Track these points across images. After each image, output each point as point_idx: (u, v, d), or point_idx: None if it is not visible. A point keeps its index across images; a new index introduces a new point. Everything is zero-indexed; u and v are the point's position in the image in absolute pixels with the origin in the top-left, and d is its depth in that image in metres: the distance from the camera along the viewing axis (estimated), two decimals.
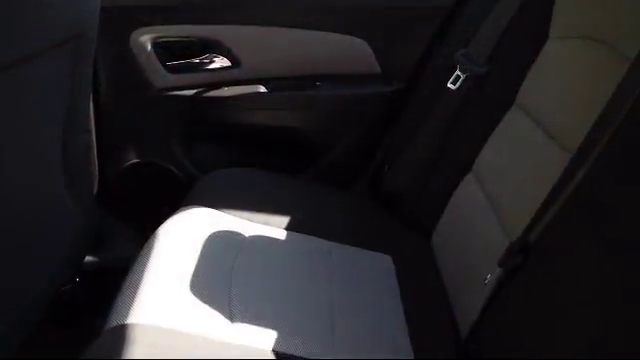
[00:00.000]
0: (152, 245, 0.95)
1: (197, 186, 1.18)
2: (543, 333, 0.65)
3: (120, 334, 0.75)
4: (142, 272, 0.88)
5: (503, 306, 0.73)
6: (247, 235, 1.02)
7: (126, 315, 0.79)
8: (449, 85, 1.06)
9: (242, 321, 0.82)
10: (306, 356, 0.80)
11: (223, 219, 1.04)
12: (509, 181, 0.87)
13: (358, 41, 1.28)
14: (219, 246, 0.97)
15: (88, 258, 1.36)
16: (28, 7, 0.80)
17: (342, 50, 1.30)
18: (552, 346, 0.63)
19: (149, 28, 1.25)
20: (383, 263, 1.06)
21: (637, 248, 0.56)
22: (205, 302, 0.83)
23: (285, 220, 1.09)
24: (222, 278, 0.89)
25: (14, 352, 0.91)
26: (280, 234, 1.05)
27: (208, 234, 0.98)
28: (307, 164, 1.41)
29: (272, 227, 1.06)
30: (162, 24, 1.25)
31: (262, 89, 1.33)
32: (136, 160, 1.37)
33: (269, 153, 1.41)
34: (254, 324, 0.82)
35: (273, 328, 0.82)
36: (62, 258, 1.14)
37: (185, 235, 0.97)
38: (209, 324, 0.80)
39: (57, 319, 1.23)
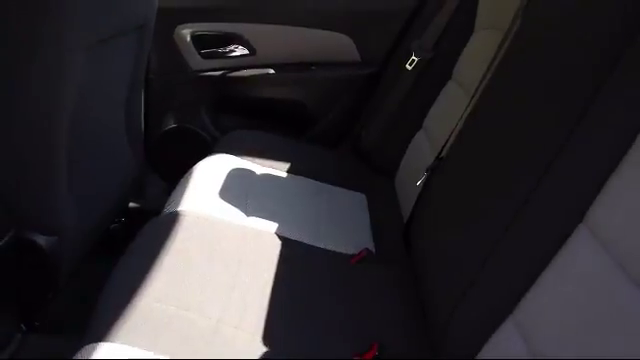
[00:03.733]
0: (190, 175, 1.31)
1: (220, 142, 1.53)
2: (450, 209, 1.01)
3: (174, 215, 1.11)
4: (185, 185, 1.25)
5: (427, 196, 1.10)
6: (258, 173, 1.38)
7: (177, 207, 1.16)
8: (407, 66, 1.43)
9: (255, 216, 1.19)
10: (299, 239, 1.15)
11: (240, 163, 1.39)
12: (440, 122, 1.24)
13: (344, 36, 1.62)
14: (238, 177, 1.32)
15: (131, 204, 1.71)
16: None
17: (332, 43, 1.63)
18: (454, 217, 0.97)
19: (189, 24, 1.61)
20: (358, 198, 1.42)
21: (506, 150, 0.88)
22: (230, 204, 1.19)
23: (286, 166, 1.43)
24: (241, 193, 1.25)
25: (75, 266, 1.21)
26: (282, 174, 1.41)
27: (230, 169, 1.34)
28: (304, 129, 1.73)
29: (276, 170, 1.41)
30: (198, 22, 1.60)
31: (271, 71, 1.67)
32: (174, 125, 1.71)
33: (275, 120, 1.73)
34: (263, 218, 1.18)
35: (276, 222, 1.18)
36: (116, 200, 1.46)
37: (213, 170, 1.33)
38: (232, 216, 1.16)
39: (108, 249, 1.56)
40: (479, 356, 0.74)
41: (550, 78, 0.75)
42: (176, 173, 1.40)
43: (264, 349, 0.82)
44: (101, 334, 0.79)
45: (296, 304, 0.94)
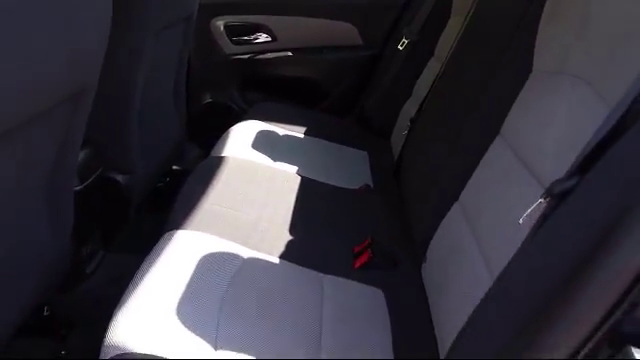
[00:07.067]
0: (227, 134, 1.67)
1: (248, 112, 1.88)
2: (422, 142, 1.36)
3: (219, 158, 1.47)
4: (225, 140, 1.61)
5: (410, 140, 1.44)
6: (280, 134, 1.74)
7: (220, 153, 1.52)
8: (399, 47, 1.78)
9: (280, 161, 1.54)
10: (314, 178, 1.50)
11: (266, 126, 1.75)
12: (423, 89, 1.59)
13: (349, 25, 1.98)
14: (265, 136, 1.68)
15: (174, 166, 2.07)
16: None
17: (339, 30, 1.99)
18: (425, 146, 1.33)
19: (222, 16, 1.97)
20: (361, 155, 1.77)
21: (455, 94, 1.26)
22: (259, 152, 1.55)
23: (302, 130, 1.79)
24: (268, 147, 1.60)
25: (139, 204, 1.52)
26: (300, 136, 1.76)
27: (258, 130, 1.70)
28: (316, 101, 2.08)
29: (295, 133, 1.77)
30: (230, 14, 1.96)
31: (290, 54, 2.03)
32: (210, 100, 2.07)
33: (293, 94, 2.08)
34: (285, 162, 1.54)
35: (296, 166, 1.53)
36: (166, 157, 1.78)
37: (246, 131, 1.69)
38: (263, 160, 1.52)
39: (155, 205, 1.84)
40: (437, 234, 1.08)
41: (483, 41, 1.09)
42: (210, 139, 1.72)
43: (290, 237, 1.18)
44: (177, 224, 1.15)
45: (312, 213, 1.29)
